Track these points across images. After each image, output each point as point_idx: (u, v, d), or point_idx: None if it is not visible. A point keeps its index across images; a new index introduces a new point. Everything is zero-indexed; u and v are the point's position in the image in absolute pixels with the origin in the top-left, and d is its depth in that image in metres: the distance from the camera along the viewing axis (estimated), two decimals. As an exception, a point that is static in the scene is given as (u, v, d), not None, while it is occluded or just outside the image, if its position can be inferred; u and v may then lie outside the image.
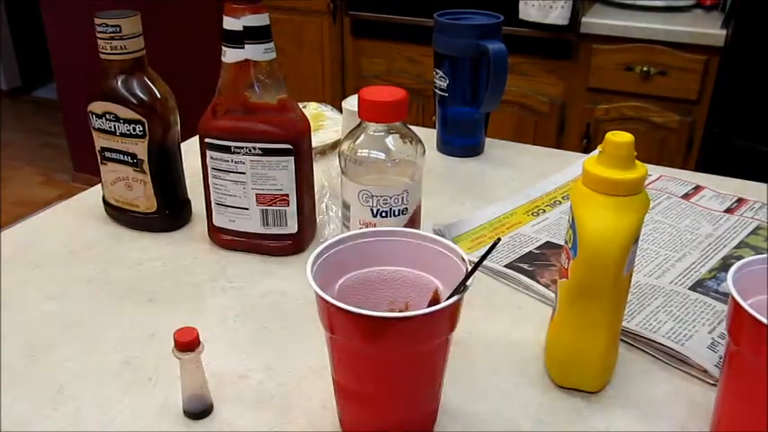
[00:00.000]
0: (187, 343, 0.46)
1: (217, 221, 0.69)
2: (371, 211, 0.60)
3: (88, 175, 2.87)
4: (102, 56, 0.67)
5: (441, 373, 0.46)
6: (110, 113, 0.68)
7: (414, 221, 0.62)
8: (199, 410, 0.49)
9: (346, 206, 0.62)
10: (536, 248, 0.70)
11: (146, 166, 0.70)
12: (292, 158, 0.64)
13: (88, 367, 0.54)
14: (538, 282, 0.64)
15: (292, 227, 0.67)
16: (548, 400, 0.51)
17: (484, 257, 0.43)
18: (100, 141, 0.70)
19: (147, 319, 0.60)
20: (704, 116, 1.85)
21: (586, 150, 1.92)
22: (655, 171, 0.88)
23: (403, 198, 0.60)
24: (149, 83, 0.68)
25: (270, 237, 0.68)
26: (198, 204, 0.75)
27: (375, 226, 0.60)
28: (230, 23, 0.61)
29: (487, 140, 0.97)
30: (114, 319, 0.60)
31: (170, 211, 0.73)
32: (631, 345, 0.57)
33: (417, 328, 0.41)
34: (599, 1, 2.07)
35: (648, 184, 0.83)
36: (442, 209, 0.80)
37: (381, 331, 0.41)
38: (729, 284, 0.43)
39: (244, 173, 0.65)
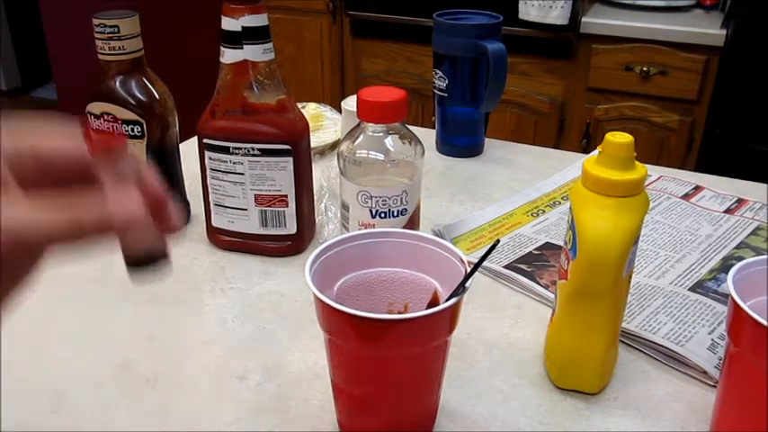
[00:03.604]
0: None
1: (215, 222, 0.69)
2: (370, 211, 0.60)
3: (88, 175, 2.87)
4: (101, 56, 0.66)
5: (440, 375, 0.46)
6: (108, 114, 0.68)
7: (413, 222, 0.62)
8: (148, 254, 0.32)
9: (345, 207, 0.62)
10: (535, 249, 0.70)
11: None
12: (291, 159, 0.64)
13: (87, 368, 0.54)
14: (537, 283, 0.64)
15: (291, 228, 0.67)
16: (547, 401, 0.51)
17: (483, 258, 0.43)
18: (98, 142, 0.70)
19: (146, 320, 0.60)
20: (704, 116, 1.85)
21: (586, 150, 1.92)
22: (655, 171, 0.87)
23: (402, 199, 0.60)
24: (148, 83, 0.68)
25: (268, 237, 0.68)
26: (196, 205, 0.75)
27: (374, 227, 0.60)
28: (229, 24, 0.61)
29: (487, 140, 0.97)
30: (113, 320, 0.60)
31: (169, 212, 0.73)
32: (631, 346, 0.57)
33: (416, 330, 0.41)
34: (599, 1, 2.07)
35: (648, 185, 0.83)
36: (441, 209, 0.79)
37: (380, 333, 0.41)
38: (729, 286, 0.43)
39: (242, 173, 0.65)
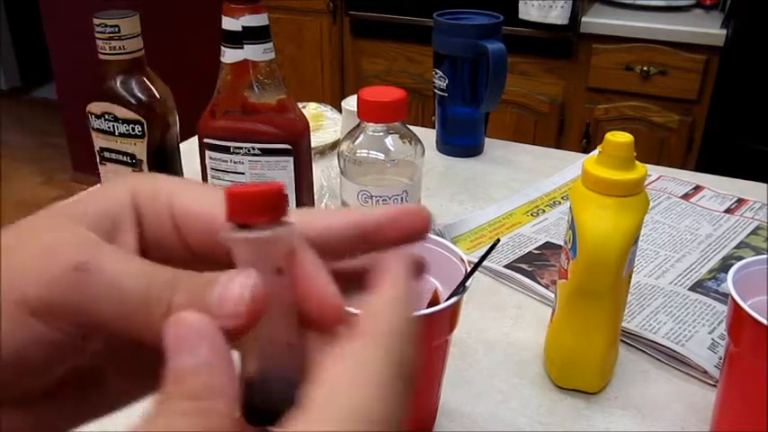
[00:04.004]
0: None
1: (216, 222, 0.69)
2: (371, 211, 0.60)
3: (88, 175, 2.88)
4: (101, 56, 0.66)
5: (440, 374, 0.46)
6: (108, 114, 0.68)
7: (413, 222, 0.62)
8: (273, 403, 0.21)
9: (345, 206, 0.62)
10: (536, 249, 0.70)
11: (145, 167, 0.70)
12: (291, 159, 0.64)
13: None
14: (538, 282, 0.64)
15: (291, 227, 0.67)
16: (547, 400, 0.51)
17: (483, 258, 0.43)
18: (99, 142, 0.70)
19: (146, 319, 0.59)
20: (704, 116, 1.85)
21: (586, 150, 1.91)
22: (655, 171, 0.87)
23: (402, 198, 0.60)
24: (148, 83, 0.68)
25: (269, 237, 0.68)
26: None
27: (374, 226, 0.60)
28: (229, 23, 0.61)
29: (487, 140, 0.97)
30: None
31: (169, 212, 0.73)
32: (631, 345, 0.57)
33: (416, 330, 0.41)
34: (599, 1, 2.07)
35: (648, 185, 0.83)
36: (441, 209, 0.79)
37: (380, 332, 0.40)
38: (729, 285, 0.43)
39: (243, 173, 0.65)
